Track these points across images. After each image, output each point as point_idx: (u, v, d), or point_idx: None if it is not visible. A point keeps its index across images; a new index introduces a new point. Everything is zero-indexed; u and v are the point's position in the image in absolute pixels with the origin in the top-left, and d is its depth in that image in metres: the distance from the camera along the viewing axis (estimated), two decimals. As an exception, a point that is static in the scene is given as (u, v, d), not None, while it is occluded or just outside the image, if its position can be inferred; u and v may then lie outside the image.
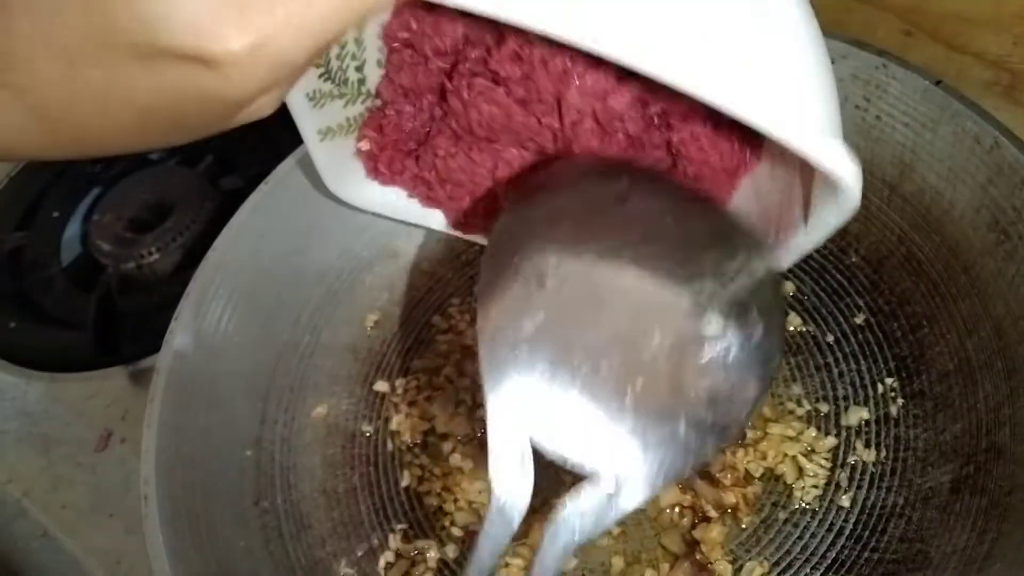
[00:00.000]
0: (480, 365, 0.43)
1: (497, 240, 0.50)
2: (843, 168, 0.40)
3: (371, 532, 0.72)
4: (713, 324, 0.43)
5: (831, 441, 0.70)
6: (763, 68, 0.38)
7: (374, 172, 0.71)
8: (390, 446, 0.76)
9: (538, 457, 0.43)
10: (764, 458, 0.70)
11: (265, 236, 0.77)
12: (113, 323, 0.95)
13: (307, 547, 0.70)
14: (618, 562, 0.67)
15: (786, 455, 0.70)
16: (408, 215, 0.74)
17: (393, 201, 0.73)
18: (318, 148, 0.66)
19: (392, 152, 0.70)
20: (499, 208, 0.68)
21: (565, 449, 0.42)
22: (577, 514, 0.41)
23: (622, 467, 0.41)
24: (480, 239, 0.75)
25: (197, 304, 0.72)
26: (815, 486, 0.68)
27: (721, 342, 0.42)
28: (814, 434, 0.70)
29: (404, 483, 0.74)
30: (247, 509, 0.69)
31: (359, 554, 0.71)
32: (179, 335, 0.71)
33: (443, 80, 0.63)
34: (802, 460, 0.69)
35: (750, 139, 0.55)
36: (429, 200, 0.73)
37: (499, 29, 0.57)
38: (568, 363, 0.43)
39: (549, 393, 0.42)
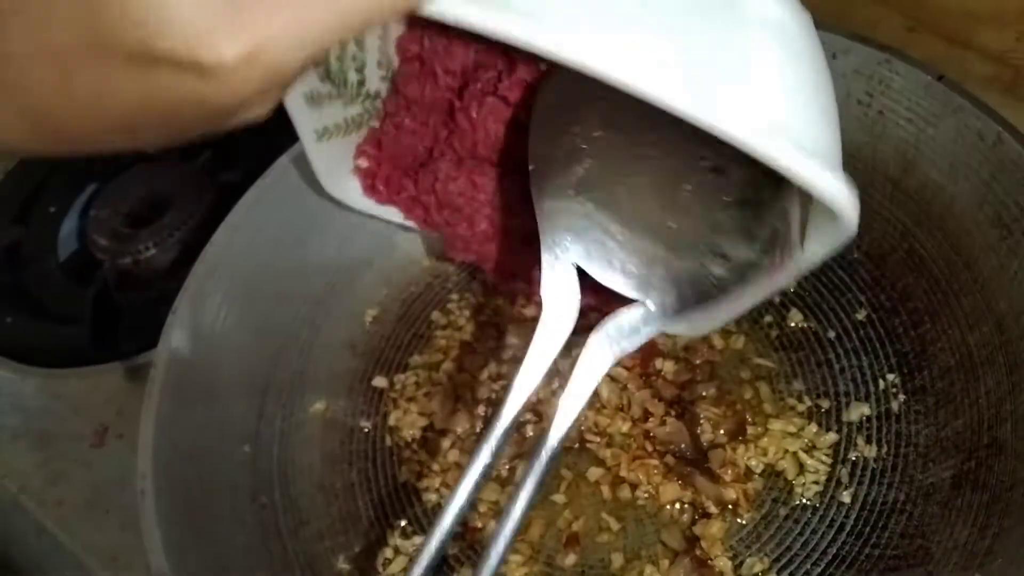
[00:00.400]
0: (535, 205, 0.51)
1: (544, 102, 0.54)
2: (842, 200, 0.40)
3: (369, 528, 0.72)
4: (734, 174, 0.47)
5: (832, 437, 0.70)
6: (761, 91, 0.37)
7: (371, 191, 0.71)
8: (388, 442, 0.76)
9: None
10: (765, 454, 0.70)
11: (263, 231, 0.77)
12: (110, 318, 0.95)
13: (305, 543, 0.69)
14: (618, 558, 0.67)
15: (787, 451, 0.70)
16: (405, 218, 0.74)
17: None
18: (315, 148, 0.65)
19: (390, 170, 0.69)
20: (495, 235, 0.69)
21: (608, 276, 0.49)
22: (616, 327, 0.48)
23: (658, 292, 0.49)
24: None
25: (194, 299, 0.72)
26: (816, 482, 0.68)
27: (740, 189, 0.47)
28: (815, 430, 0.70)
29: (402, 479, 0.74)
30: (245, 505, 0.69)
31: (357, 550, 0.70)
32: (176, 330, 0.70)
33: (451, 97, 0.63)
34: (803, 456, 0.69)
35: None
36: (426, 224, 0.72)
37: (510, 56, 0.58)
38: (612, 203, 0.49)
39: (595, 227, 0.49)
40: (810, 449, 0.70)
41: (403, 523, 0.72)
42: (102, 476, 0.85)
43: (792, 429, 0.71)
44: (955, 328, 0.69)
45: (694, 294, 0.49)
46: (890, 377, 0.71)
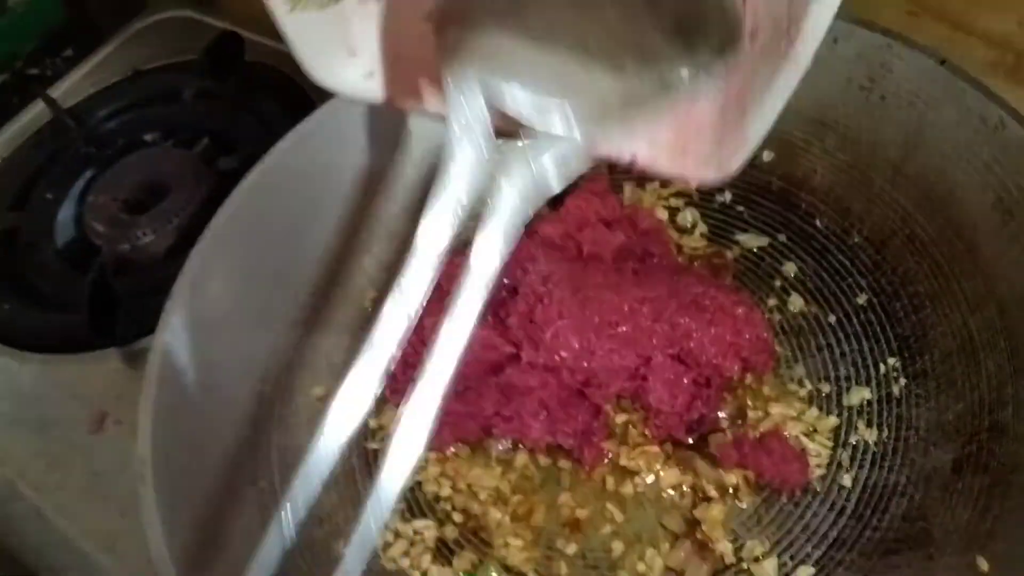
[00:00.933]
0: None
1: None
2: None
3: (370, 513, 0.72)
4: None
5: (833, 421, 0.70)
6: None
7: None
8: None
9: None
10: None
11: (262, 216, 0.76)
12: (108, 304, 0.94)
13: (304, 527, 0.69)
14: (618, 545, 0.67)
15: (788, 435, 0.69)
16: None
17: (374, 88, 0.65)
18: (287, 20, 0.58)
19: None
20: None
21: (525, 102, 0.41)
22: (532, 170, 0.40)
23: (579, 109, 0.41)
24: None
25: (193, 283, 0.71)
26: (817, 465, 0.68)
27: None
28: (816, 414, 0.70)
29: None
30: (245, 489, 0.68)
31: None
32: (175, 315, 0.70)
33: None
34: (804, 440, 0.69)
35: None
36: None
37: None
38: (523, 23, 0.42)
39: (505, 46, 0.42)
40: (811, 433, 0.70)
41: (403, 507, 0.71)
42: (101, 462, 0.85)
43: (793, 413, 0.71)
44: (956, 312, 0.69)
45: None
46: (891, 361, 0.71)
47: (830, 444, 0.69)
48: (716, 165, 0.44)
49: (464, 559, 0.69)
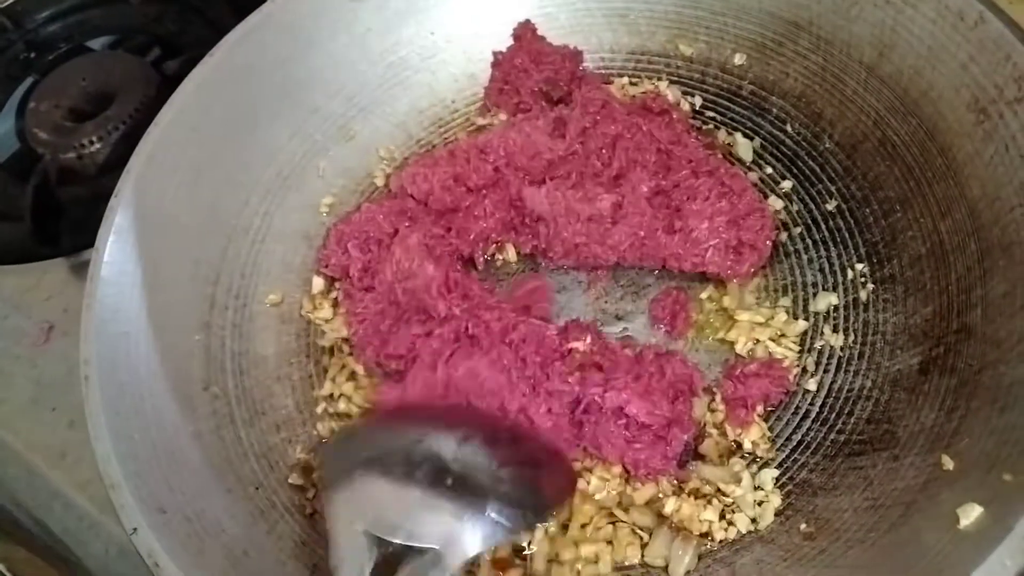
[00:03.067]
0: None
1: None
2: None
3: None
4: None
5: (801, 325, 0.69)
6: None
7: None
8: (346, 333, 0.73)
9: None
10: (734, 345, 0.69)
11: (210, 113, 0.73)
12: (52, 213, 0.90)
13: (261, 433, 0.67)
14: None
15: (757, 340, 0.68)
16: None
17: None
18: None
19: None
20: None
21: (400, 534, 0.52)
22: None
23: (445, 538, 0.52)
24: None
25: (138, 181, 0.68)
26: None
27: None
28: (784, 319, 0.69)
29: (361, 371, 0.72)
30: (196, 394, 0.66)
31: (316, 441, 0.69)
32: (120, 213, 0.67)
33: None
34: (771, 345, 0.68)
35: None
36: None
37: None
38: (391, 473, 0.55)
39: (382, 494, 0.54)
40: (779, 338, 0.69)
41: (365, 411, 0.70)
42: (48, 374, 0.82)
43: (760, 319, 0.69)
44: (927, 216, 0.68)
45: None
46: (859, 267, 0.70)
47: (796, 349, 0.68)
48: None
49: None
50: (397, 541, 0.52)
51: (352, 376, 0.72)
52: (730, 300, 0.71)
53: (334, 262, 0.74)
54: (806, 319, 0.69)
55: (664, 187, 0.73)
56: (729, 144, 0.79)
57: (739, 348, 0.69)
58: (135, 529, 0.54)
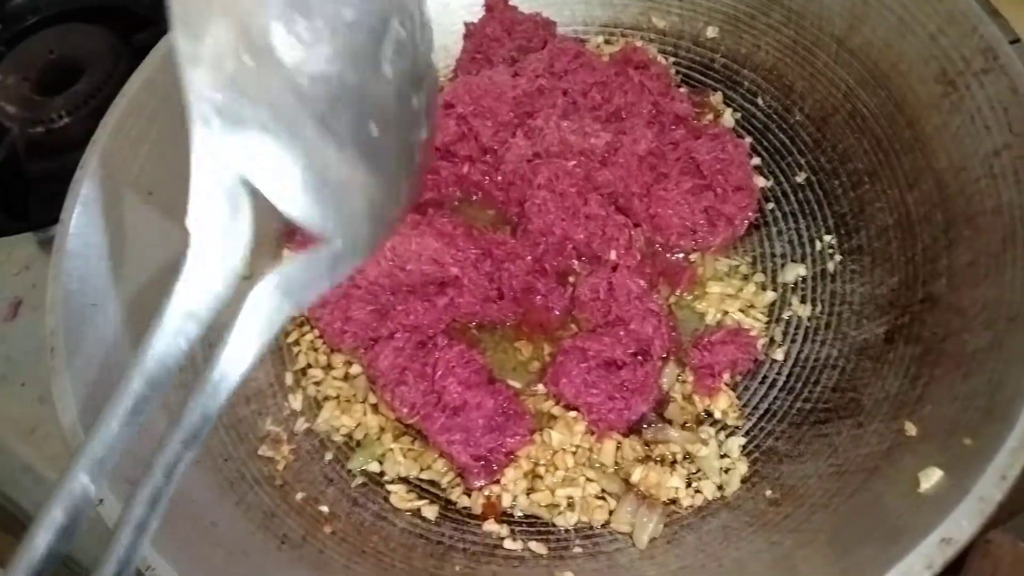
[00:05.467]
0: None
1: None
2: None
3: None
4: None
5: (770, 296, 0.69)
6: None
7: None
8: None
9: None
10: (703, 316, 0.69)
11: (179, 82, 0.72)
12: (20, 188, 0.90)
13: (230, 405, 0.67)
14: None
15: (726, 312, 0.69)
16: None
17: None
18: None
19: None
20: None
21: (290, 204, 0.35)
22: (289, 277, 0.37)
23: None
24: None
25: (104, 152, 0.67)
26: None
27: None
28: (753, 290, 0.69)
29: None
30: (165, 366, 0.66)
31: (286, 413, 0.69)
32: (86, 184, 0.66)
33: None
34: (739, 316, 0.69)
35: None
36: None
37: None
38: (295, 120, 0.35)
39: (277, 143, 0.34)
40: (747, 309, 0.69)
41: (332, 387, 0.70)
42: (17, 349, 0.82)
43: (731, 291, 0.70)
44: (894, 187, 0.68)
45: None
46: (827, 238, 0.71)
47: (764, 320, 0.68)
48: None
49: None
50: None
51: (321, 348, 0.72)
52: (702, 271, 0.71)
53: (299, 238, 0.74)
54: (774, 290, 0.70)
55: (661, 145, 0.73)
56: (719, 110, 0.79)
57: (708, 319, 0.69)
58: (101, 500, 0.54)
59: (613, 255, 0.70)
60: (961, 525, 0.46)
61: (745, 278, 0.71)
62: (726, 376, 0.66)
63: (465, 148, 0.75)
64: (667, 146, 0.73)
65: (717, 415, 0.65)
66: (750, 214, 0.72)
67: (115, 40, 0.99)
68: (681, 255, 0.72)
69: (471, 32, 0.84)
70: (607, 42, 0.85)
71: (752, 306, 0.69)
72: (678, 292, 0.71)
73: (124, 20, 1.02)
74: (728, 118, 0.78)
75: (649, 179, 0.72)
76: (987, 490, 0.47)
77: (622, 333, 0.66)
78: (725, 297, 0.70)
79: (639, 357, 0.66)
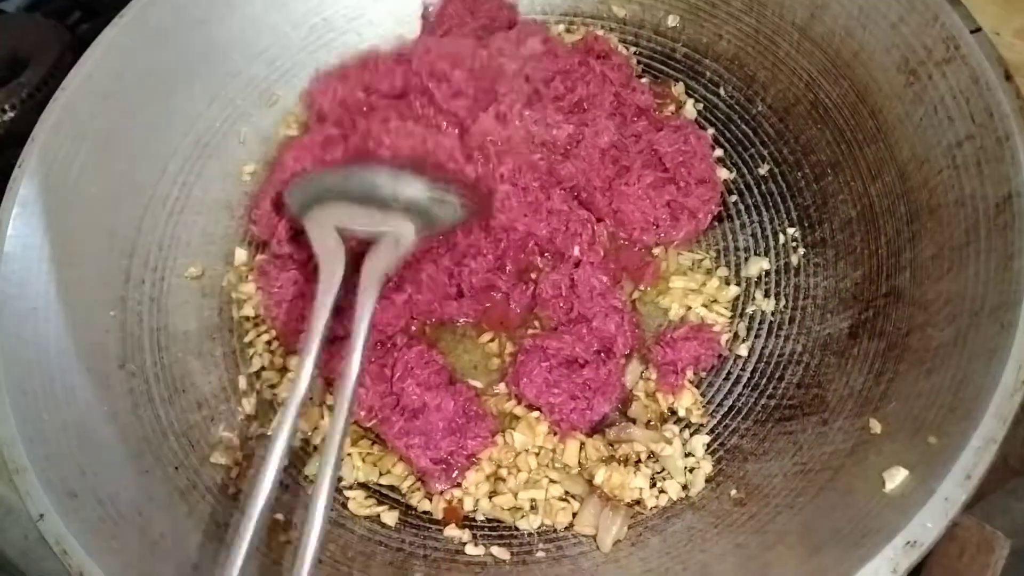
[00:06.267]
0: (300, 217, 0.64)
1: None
2: None
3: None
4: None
5: (734, 291, 0.68)
6: None
7: None
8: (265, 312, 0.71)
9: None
10: (667, 312, 0.68)
11: (121, 78, 0.69)
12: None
13: (181, 411, 0.65)
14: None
15: (689, 307, 0.68)
16: None
17: None
18: None
19: None
20: None
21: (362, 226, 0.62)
22: (379, 257, 0.61)
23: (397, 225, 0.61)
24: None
25: (44, 149, 0.65)
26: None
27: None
28: (716, 284, 0.68)
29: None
30: (112, 372, 0.63)
31: (240, 418, 0.66)
32: (24, 183, 0.63)
33: None
34: (703, 311, 0.67)
35: None
36: None
37: None
38: (349, 196, 0.64)
39: (346, 207, 0.63)
40: (711, 304, 0.68)
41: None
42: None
43: (693, 286, 0.69)
44: (857, 179, 0.67)
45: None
46: (791, 231, 0.70)
47: (728, 315, 0.67)
48: None
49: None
50: (360, 229, 0.62)
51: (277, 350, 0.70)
52: (665, 265, 0.70)
53: (265, 222, 0.71)
54: (738, 284, 0.69)
55: (623, 138, 0.72)
56: (681, 101, 0.78)
57: (672, 314, 0.68)
58: (41, 515, 0.52)
59: (576, 251, 0.69)
60: (926, 527, 0.46)
61: (708, 272, 0.70)
62: (689, 373, 0.65)
63: (420, 102, 0.73)
64: (629, 138, 0.72)
65: (681, 413, 0.64)
66: (713, 207, 0.71)
67: (61, 32, 0.95)
68: (643, 249, 0.71)
69: (430, 14, 0.82)
70: (568, 31, 0.83)
71: (716, 301, 0.68)
72: (641, 287, 0.70)
73: (74, 12, 0.99)
74: (690, 109, 0.77)
75: (611, 172, 0.71)
76: (952, 490, 0.46)
77: (584, 331, 0.65)
78: (688, 292, 0.69)
79: (601, 355, 0.64)
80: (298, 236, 0.69)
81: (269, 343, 0.70)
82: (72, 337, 0.62)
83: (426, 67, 0.72)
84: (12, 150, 0.88)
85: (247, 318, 0.71)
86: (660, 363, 0.65)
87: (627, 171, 0.71)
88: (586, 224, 0.69)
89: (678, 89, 0.78)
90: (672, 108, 0.77)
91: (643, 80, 0.79)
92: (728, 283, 0.69)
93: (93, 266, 0.66)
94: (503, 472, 0.63)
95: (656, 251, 0.71)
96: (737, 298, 0.68)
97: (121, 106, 0.69)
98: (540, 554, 0.60)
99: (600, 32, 0.82)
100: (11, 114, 0.90)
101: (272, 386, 0.68)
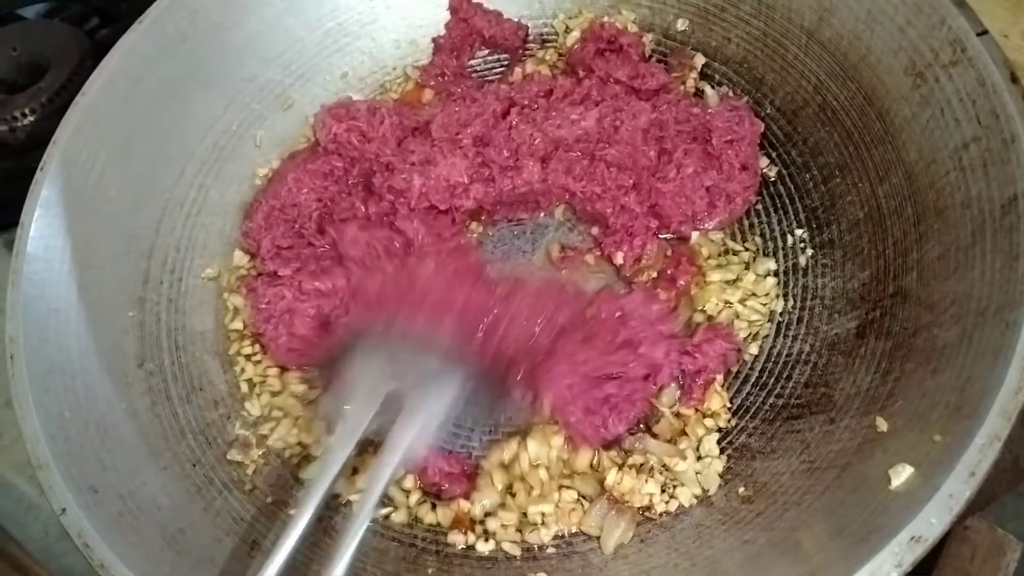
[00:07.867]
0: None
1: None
2: None
3: (269, 395, 0.69)
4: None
5: (770, 282, 0.69)
6: None
7: None
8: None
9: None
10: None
11: (140, 82, 0.71)
12: (-18, 189, 0.88)
13: (198, 409, 0.66)
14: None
15: (728, 302, 0.69)
16: None
17: None
18: None
19: None
20: None
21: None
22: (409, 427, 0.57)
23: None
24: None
25: (65, 153, 0.66)
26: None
27: None
28: (753, 279, 0.69)
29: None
30: (131, 371, 0.65)
31: (256, 416, 0.68)
32: (46, 186, 0.65)
33: None
34: (739, 307, 0.68)
35: None
36: None
37: None
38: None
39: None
40: (750, 297, 0.69)
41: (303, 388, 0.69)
42: (-21, 354, 0.80)
43: (731, 276, 0.70)
44: (865, 180, 0.68)
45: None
46: (799, 232, 0.71)
47: (765, 310, 0.68)
48: None
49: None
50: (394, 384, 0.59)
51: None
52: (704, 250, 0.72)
53: (254, 237, 0.72)
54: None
55: (660, 116, 0.73)
56: (701, 89, 0.79)
57: (709, 309, 0.69)
58: (64, 510, 0.53)
59: (620, 258, 0.70)
60: (931, 523, 0.46)
61: (747, 266, 0.71)
62: (719, 377, 0.65)
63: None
64: (667, 118, 0.73)
65: (708, 423, 0.64)
66: (752, 197, 0.72)
67: (80, 37, 0.97)
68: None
69: (439, 45, 0.84)
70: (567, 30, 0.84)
71: (754, 295, 0.69)
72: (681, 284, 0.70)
73: (92, 18, 1.00)
74: (712, 99, 0.78)
75: (655, 153, 0.72)
76: (956, 487, 0.47)
77: (630, 357, 0.63)
78: (726, 286, 0.69)
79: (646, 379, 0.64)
80: (282, 252, 0.71)
81: (249, 356, 0.71)
82: (92, 337, 0.63)
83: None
84: (33, 153, 0.89)
85: (235, 330, 0.72)
86: (691, 372, 0.65)
87: (668, 154, 0.72)
88: (635, 214, 0.71)
89: (698, 60, 0.79)
90: (692, 79, 0.79)
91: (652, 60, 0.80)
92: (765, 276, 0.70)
93: (112, 267, 0.67)
94: (516, 486, 0.64)
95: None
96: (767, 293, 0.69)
97: (140, 110, 0.70)
98: (550, 550, 0.61)
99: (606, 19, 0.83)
100: (31, 118, 0.92)
101: (274, 394, 0.69)
